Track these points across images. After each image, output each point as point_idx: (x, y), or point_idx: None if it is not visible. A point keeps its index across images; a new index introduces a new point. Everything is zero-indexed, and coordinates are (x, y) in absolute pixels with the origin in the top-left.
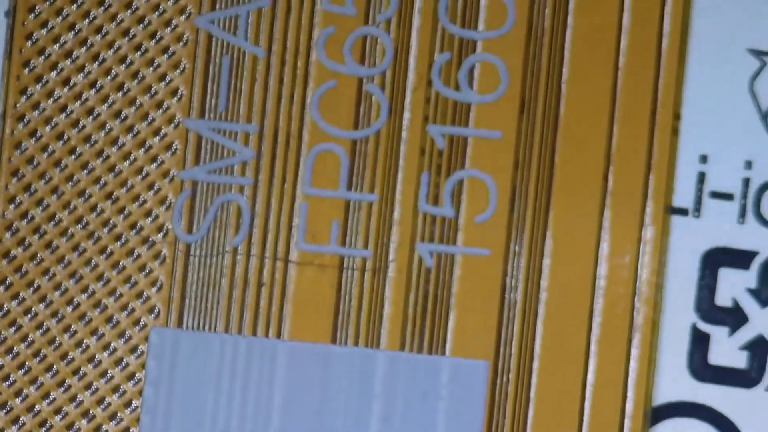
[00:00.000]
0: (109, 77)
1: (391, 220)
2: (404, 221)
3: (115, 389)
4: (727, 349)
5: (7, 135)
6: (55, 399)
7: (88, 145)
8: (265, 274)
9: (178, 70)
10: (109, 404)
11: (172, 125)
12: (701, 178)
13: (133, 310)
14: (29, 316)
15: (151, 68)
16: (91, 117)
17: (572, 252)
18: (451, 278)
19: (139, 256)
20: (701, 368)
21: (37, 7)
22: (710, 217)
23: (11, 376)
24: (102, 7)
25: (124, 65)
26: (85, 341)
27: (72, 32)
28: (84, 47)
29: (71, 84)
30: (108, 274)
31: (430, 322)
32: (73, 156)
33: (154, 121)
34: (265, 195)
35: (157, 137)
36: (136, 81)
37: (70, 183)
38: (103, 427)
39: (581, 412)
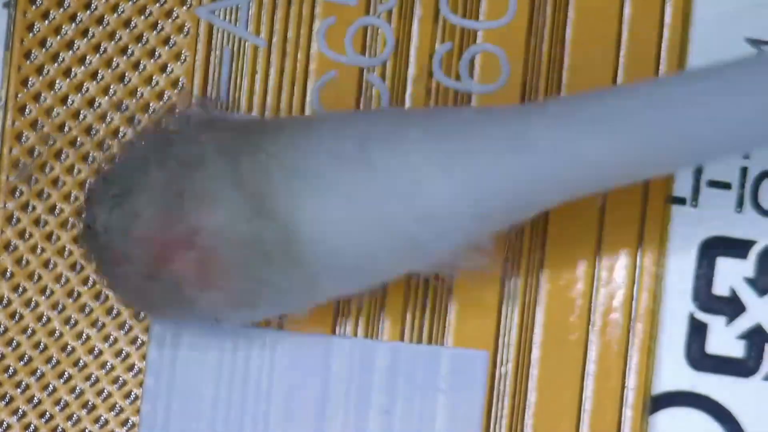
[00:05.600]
0: (110, 68)
1: None
2: None
3: (116, 380)
4: (725, 339)
5: (8, 126)
6: (55, 390)
7: (89, 136)
8: None
9: (179, 61)
10: (110, 395)
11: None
12: (699, 167)
13: None
14: (30, 307)
15: (152, 59)
16: (92, 108)
17: (572, 241)
18: None
19: None
20: (699, 358)
21: None
22: (708, 206)
23: (12, 367)
24: None
25: (125, 56)
26: (85, 332)
27: (73, 23)
28: (85, 38)
29: (72, 75)
30: None
31: (429, 312)
32: (74, 147)
33: (156, 112)
34: None
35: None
36: (137, 72)
37: (71, 175)
38: (104, 417)
39: (581, 401)
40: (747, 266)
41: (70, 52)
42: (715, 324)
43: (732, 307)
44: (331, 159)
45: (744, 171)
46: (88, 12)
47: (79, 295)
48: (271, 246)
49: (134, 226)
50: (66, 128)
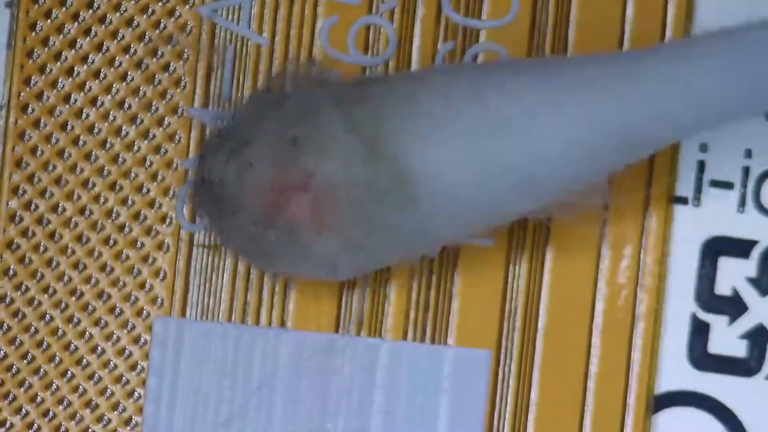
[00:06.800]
0: (113, 67)
1: None
2: None
3: (119, 379)
4: (727, 339)
5: (11, 125)
6: (58, 388)
7: (91, 135)
8: None
9: (181, 60)
10: (113, 394)
11: (176, 115)
12: (701, 166)
13: (136, 299)
14: (33, 306)
15: (154, 58)
16: (94, 107)
17: (575, 242)
18: (454, 268)
19: (142, 245)
20: (701, 357)
21: None
22: (710, 205)
23: (15, 366)
24: None
25: (127, 55)
26: (88, 331)
27: (76, 22)
28: (88, 37)
29: (75, 74)
30: (112, 263)
31: (433, 311)
32: (77, 146)
33: (158, 111)
34: None
35: (161, 127)
36: (139, 71)
37: (73, 173)
38: (107, 416)
39: (583, 401)
40: (749, 266)
41: (73, 51)
42: (718, 324)
43: (734, 306)
44: (445, 102)
45: (746, 171)
46: (91, 11)
47: (82, 293)
48: (386, 186)
49: (249, 175)
50: (68, 127)
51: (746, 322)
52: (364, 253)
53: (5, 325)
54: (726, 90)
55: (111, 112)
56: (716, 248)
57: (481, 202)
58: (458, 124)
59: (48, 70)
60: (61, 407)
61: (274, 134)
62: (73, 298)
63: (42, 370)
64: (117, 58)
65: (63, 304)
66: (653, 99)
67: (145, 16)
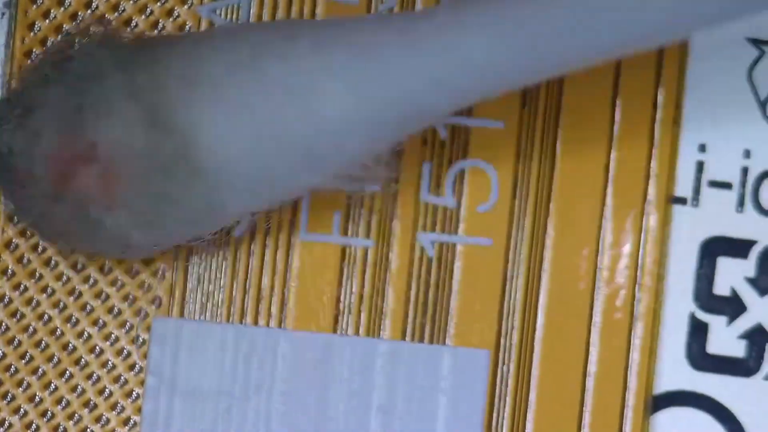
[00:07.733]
0: None
1: (392, 210)
2: (406, 211)
3: (117, 379)
4: (726, 339)
5: None
6: (57, 388)
7: None
8: (267, 264)
9: None
10: (111, 393)
11: None
12: (700, 167)
13: (135, 299)
14: (31, 306)
15: None
16: None
17: (574, 242)
18: (452, 268)
19: None
20: (699, 357)
21: None
22: (709, 206)
23: (13, 365)
24: None
25: None
26: (87, 331)
27: (74, 22)
28: (86, 37)
29: None
30: (110, 263)
31: (431, 311)
32: None
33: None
34: None
35: None
36: None
37: None
38: (105, 415)
39: (582, 401)
40: (748, 266)
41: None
42: (716, 324)
43: (733, 306)
44: (225, 68)
45: (745, 171)
46: (89, 11)
47: (80, 293)
48: (170, 157)
49: (37, 144)
50: None
51: (745, 322)
52: (156, 229)
53: (4, 324)
54: (501, 56)
55: None
56: (715, 248)
57: (265, 176)
58: (237, 92)
59: None
60: (59, 407)
61: (58, 101)
62: (72, 298)
63: (40, 370)
64: None
65: (61, 304)
66: (428, 67)
67: (143, 17)
